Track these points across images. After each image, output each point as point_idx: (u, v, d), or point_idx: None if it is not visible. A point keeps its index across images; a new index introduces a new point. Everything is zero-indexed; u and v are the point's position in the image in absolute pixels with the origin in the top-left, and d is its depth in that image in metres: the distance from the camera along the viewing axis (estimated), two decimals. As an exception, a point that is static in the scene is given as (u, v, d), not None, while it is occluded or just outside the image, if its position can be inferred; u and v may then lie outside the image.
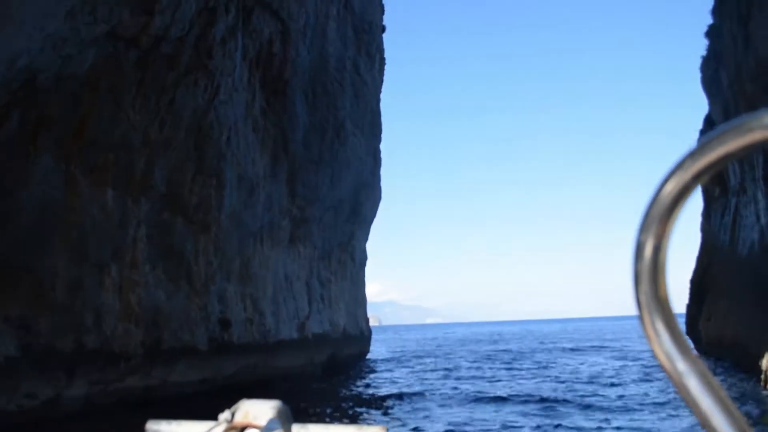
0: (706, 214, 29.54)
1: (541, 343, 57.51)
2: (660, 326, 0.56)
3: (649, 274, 0.56)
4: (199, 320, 19.38)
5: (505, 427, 14.00)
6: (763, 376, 15.71)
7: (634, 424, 13.62)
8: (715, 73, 25.19)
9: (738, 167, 23.04)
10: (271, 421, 1.27)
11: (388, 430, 1.35)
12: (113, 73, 16.19)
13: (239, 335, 21.32)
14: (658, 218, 0.55)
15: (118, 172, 16.86)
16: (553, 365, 29.47)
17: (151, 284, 17.90)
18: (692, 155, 0.54)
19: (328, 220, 29.02)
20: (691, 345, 23.25)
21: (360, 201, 31.78)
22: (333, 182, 28.40)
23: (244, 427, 1.26)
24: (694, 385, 0.53)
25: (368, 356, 38.35)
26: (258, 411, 1.28)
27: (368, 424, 1.36)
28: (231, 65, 20.79)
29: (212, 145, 20.05)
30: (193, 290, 19.39)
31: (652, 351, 0.56)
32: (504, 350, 45.73)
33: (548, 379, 23.06)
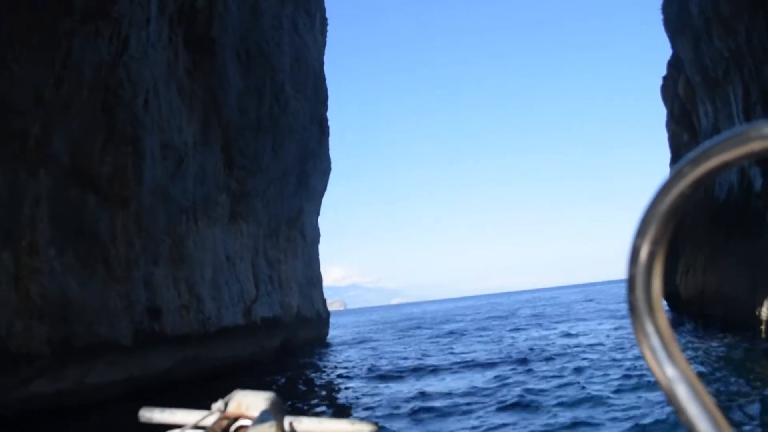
0: (675, 163, 27.72)
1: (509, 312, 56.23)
2: (651, 330, 0.56)
3: (643, 279, 0.57)
4: (120, 310, 16.75)
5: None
6: (764, 327, 13.98)
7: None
8: (680, 8, 23.37)
9: (710, 105, 21.34)
10: (263, 413, 1.32)
11: (378, 426, 1.48)
12: (-14, 18, 13.35)
13: (173, 325, 18.77)
14: (655, 224, 0.56)
15: (3, 139, 14.06)
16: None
17: (58, 271, 15.19)
18: (691, 162, 0.53)
19: (272, 194, 26.46)
20: (665, 304, 21.33)
21: (307, 172, 29.25)
22: (275, 151, 25.81)
23: (236, 418, 1.33)
24: (682, 391, 0.54)
25: (329, 339, 36.15)
26: (251, 402, 1.36)
27: (359, 419, 1.52)
28: (142, 15, 17.99)
29: (124, 108, 17.30)
30: (112, 276, 16.73)
31: (642, 354, 0.56)
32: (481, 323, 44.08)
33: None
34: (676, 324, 21.49)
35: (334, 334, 42.67)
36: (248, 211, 24.85)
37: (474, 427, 10.20)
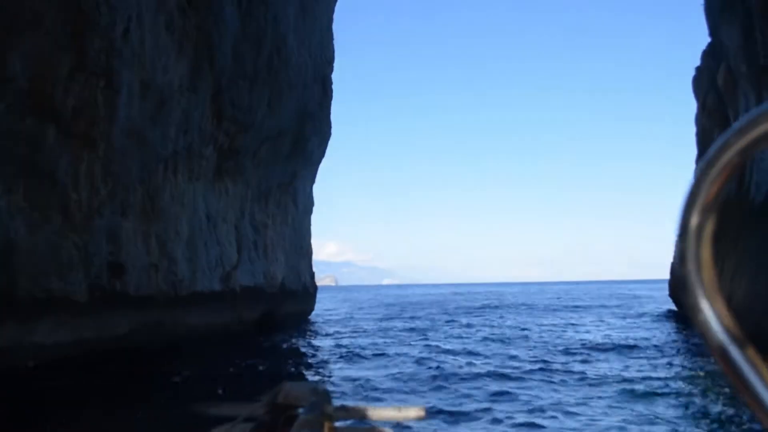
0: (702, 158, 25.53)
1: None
2: (705, 305, 0.56)
3: (693, 252, 0.57)
4: (75, 263, 14.80)
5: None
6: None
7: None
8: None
9: (754, 97, 19.21)
10: (311, 403, 1.49)
11: (427, 410, 1.69)
12: None
13: (138, 284, 16.84)
14: (703, 195, 0.56)
15: (-54, 50, 12.01)
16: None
17: (3, 211, 13.21)
18: (738, 132, 0.53)
19: (264, 154, 24.39)
20: (675, 309, 18.93)
21: (305, 135, 27.14)
22: (271, 107, 23.69)
23: (286, 408, 1.48)
24: (737, 359, 0.54)
25: (315, 315, 34.34)
26: (299, 393, 1.55)
27: (406, 405, 1.62)
28: (129, -69, 15.82)
29: (99, 34, 15.19)
30: (69, 224, 14.75)
31: (695, 327, 0.57)
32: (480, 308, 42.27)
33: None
34: (691, 339, 19.58)
35: (324, 309, 40.89)
36: (236, 169, 22.82)
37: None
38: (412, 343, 20.28)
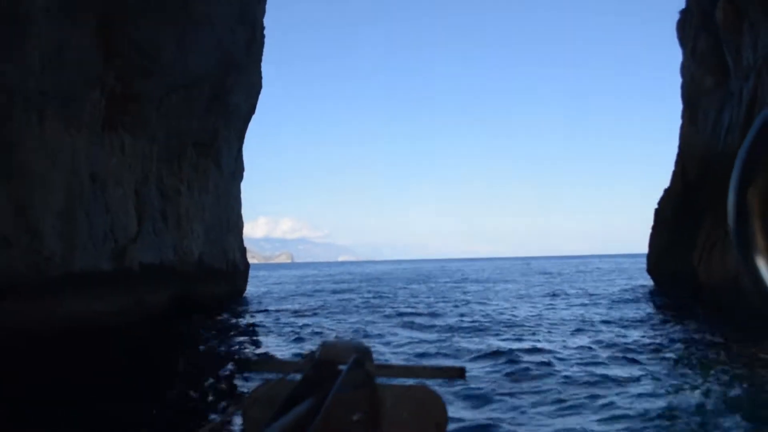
0: (690, 115, 22.74)
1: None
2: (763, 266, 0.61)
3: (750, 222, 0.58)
4: None
5: None
6: None
7: None
8: None
9: (765, 19, 15.90)
10: (353, 360, 1.40)
11: (465, 370, 1.55)
12: None
13: (-20, 265, 12.70)
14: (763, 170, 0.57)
15: None
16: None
17: None
18: None
19: (175, 105, 20.18)
20: (650, 284, 15.56)
21: (227, 85, 22.95)
22: (181, 47, 19.47)
23: (329, 364, 1.39)
24: None
25: (247, 296, 30.50)
26: (340, 350, 1.44)
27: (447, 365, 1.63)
28: None
29: None
30: None
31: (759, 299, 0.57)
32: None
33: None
34: (688, 318, 16.49)
35: (281, 287, 37.10)
36: (136, 120, 18.60)
37: None
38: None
